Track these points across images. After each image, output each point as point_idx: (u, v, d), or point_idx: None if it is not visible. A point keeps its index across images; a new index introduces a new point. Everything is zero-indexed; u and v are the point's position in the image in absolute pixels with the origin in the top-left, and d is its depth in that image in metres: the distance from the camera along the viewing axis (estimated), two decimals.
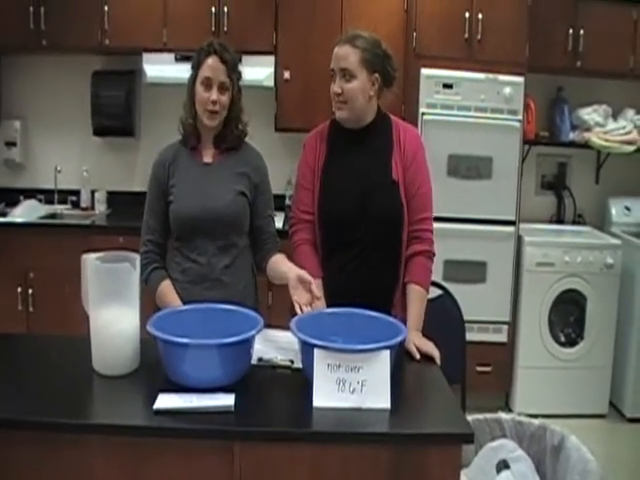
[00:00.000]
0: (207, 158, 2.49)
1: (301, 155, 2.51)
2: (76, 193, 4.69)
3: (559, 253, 4.25)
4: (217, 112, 2.39)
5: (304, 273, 2.19)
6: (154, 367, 1.98)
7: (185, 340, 1.86)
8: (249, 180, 2.48)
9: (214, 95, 2.36)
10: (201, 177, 2.45)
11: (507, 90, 4.15)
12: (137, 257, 2.07)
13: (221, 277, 2.43)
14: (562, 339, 4.35)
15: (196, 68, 2.40)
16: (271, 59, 4.34)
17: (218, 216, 2.40)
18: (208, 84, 2.36)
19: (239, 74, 2.44)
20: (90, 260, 2.05)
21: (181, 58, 4.21)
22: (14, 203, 4.52)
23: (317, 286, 2.26)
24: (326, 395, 1.82)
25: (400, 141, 2.42)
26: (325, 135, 2.47)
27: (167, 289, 2.41)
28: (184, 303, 2.25)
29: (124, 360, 2.02)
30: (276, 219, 4.08)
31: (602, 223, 4.80)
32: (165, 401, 1.80)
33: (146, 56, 4.33)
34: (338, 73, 2.34)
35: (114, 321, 2.00)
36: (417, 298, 2.35)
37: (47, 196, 4.70)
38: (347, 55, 2.32)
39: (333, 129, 2.47)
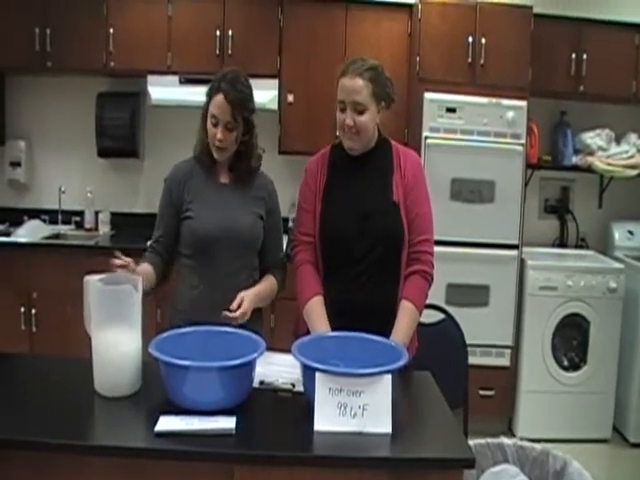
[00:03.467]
0: (223, 179, 2.52)
1: (303, 178, 2.53)
2: (80, 214, 4.73)
3: (562, 277, 4.26)
4: (223, 149, 2.42)
5: (244, 301, 2.33)
6: (156, 389, 1.98)
7: (186, 362, 1.86)
8: (265, 204, 2.52)
9: (219, 134, 2.38)
10: (220, 197, 2.47)
11: (510, 114, 4.18)
12: (139, 279, 2.08)
13: (235, 297, 2.38)
14: (565, 363, 4.34)
15: (207, 100, 2.42)
16: (275, 82, 4.38)
17: (240, 237, 2.43)
18: (215, 122, 2.39)
19: (250, 110, 2.43)
20: (92, 282, 2.06)
21: (185, 81, 4.27)
22: (18, 223, 4.55)
23: (318, 303, 2.37)
24: (327, 419, 1.82)
25: (400, 164, 2.45)
26: (327, 159, 2.50)
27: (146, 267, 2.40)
28: (198, 323, 2.18)
29: (126, 382, 2.02)
30: None
31: (605, 247, 4.80)
32: (166, 423, 1.80)
33: (151, 78, 4.37)
34: (349, 105, 2.35)
35: (116, 343, 2.01)
36: (406, 314, 2.36)
37: (51, 216, 4.72)
38: (359, 89, 2.33)
39: (335, 153, 2.50)
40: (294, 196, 2.53)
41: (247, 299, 2.36)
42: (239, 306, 2.33)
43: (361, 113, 2.35)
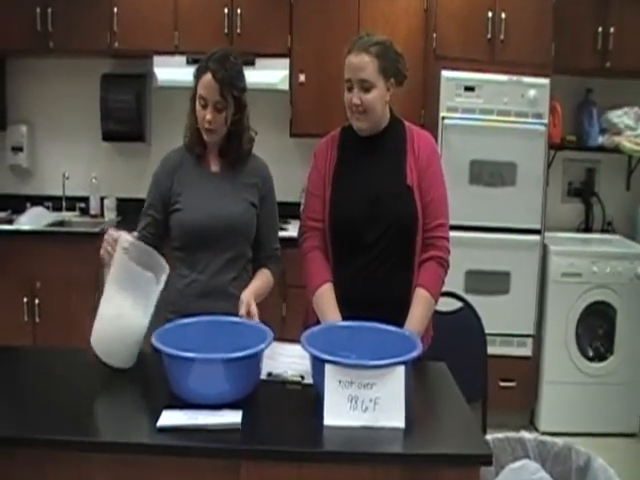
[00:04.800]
0: (214, 167, 2.51)
1: (312, 162, 2.52)
2: (85, 200, 4.74)
3: (587, 263, 4.21)
4: (213, 131, 2.40)
5: (251, 304, 2.33)
6: (159, 382, 1.98)
7: (190, 354, 1.86)
8: (258, 191, 2.51)
9: (208, 115, 2.36)
10: (210, 187, 2.47)
11: (532, 92, 4.13)
12: (165, 268, 2.13)
13: (227, 289, 2.44)
14: (590, 353, 4.30)
15: (195, 82, 2.40)
16: (286, 62, 4.36)
17: (230, 226, 2.42)
18: (203, 103, 2.37)
19: (241, 89, 2.41)
20: (121, 245, 2.13)
21: (193, 61, 4.22)
22: (20, 210, 4.57)
23: (328, 290, 2.37)
24: (337, 413, 1.81)
25: (414, 146, 2.43)
26: (336, 141, 2.49)
27: None
28: (189, 315, 2.22)
29: (121, 350, 2.11)
30: (291, 227, 4.20)
31: (633, 232, 4.73)
32: (169, 418, 1.80)
33: (157, 59, 4.37)
34: (356, 84, 2.33)
35: (123, 310, 2.09)
36: (420, 302, 2.35)
37: (55, 203, 4.74)
38: (365, 65, 2.31)
39: (345, 136, 2.49)
40: (306, 180, 2.51)
41: (253, 303, 2.36)
42: (248, 312, 2.32)
43: (368, 91, 2.33)
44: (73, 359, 2.29)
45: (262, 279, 2.51)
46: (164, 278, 2.12)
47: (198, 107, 2.38)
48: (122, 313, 2.10)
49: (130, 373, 2.14)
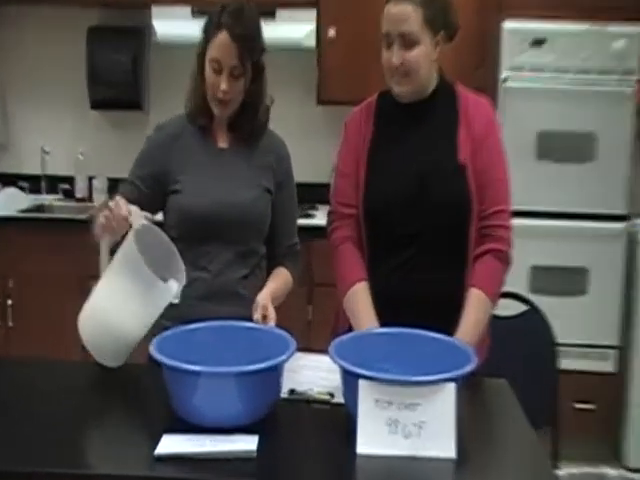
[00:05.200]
0: (222, 142, 2.52)
1: (343, 136, 2.52)
2: (69, 180, 4.78)
3: None
4: (228, 102, 2.40)
5: (268, 308, 2.32)
6: (158, 400, 1.99)
7: (196, 367, 1.85)
8: (273, 174, 2.52)
9: (224, 84, 2.35)
10: (216, 166, 2.48)
11: (618, 44, 4.10)
12: (182, 279, 2.16)
13: (237, 289, 2.46)
14: None
15: (205, 39, 2.39)
16: (312, 13, 4.38)
17: (240, 216, 2.43)
18: (217, 68, 2.35)
19: (260, 50, 2.41)
20: (135, 226, 2.13)
21: (199, 12, 4.24)
22: None
23: (362, 289, 2.36)
24: (373, 439, 1.81)
25: (469, 116, 2.42)
26: (372, 110, 2.49)
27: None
28: (191, 322, 2.21)
29: (108, 343, 2.17)
30: (319, 214, 4.19)
31: None
32: (170, 444, 1.80)
33: (156, 10, 4.40)
34: (396, 39, 2.33)
35: (119, 313, 2.13)
36: (475, 305, 2.35)
37: (32, 184, 4.80)
38: (406, 16, 2.30)
39: (382, 103, 2.49)
40: (335, 157, 2.54)
41: (270, 305, 2.36)
42: (264, 317, 2.33)
43: (411, 47, 2.32)
44: (54, 372, 2.29)
45: (279, 280, 2.53)
46: (177, 290, 2.14)
47: (209, 72, 2.37)
48: (118, 315, 2.14)
49: (124, 389, 2.16)
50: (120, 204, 2.16)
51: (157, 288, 2.11)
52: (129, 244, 2.11)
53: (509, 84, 4.13)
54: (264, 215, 2.50)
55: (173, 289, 2.14)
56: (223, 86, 2.35)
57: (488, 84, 4.07)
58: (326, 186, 4.01)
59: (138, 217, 2.14)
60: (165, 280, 2.14)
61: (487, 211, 2.39)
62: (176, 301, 2.16)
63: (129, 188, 2.48)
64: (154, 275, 2.09)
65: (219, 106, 2.42)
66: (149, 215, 2.23)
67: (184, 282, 2.16)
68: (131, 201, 2.26)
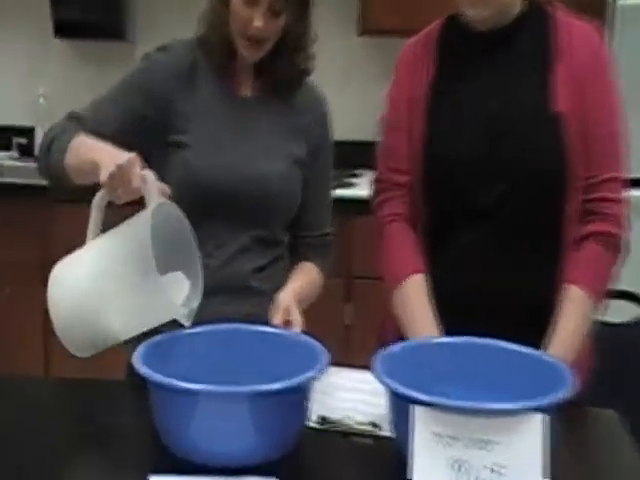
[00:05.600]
0: (245, 89, 2.47)
1: (393, 78, 2.49)
2: (27, 132, 4.77)
3: None
4: (261, 42, 2.34)
5: (291, 310, 2.27)
6: (143, 429, 1.97)
7: (195, 385, 1.80)
8: (307, 137, 2.49)
9: (259, 20, 2.28)
10: (236, 122, 2.43)
11: None
12: (198, 285, 2.10)
13: (250, 282, 2.42)
14: None
15: None
16: None
17: (265, 193, 2.41)
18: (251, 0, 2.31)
19: None
20: (156, 199, 1.98)
21: None
22: None
23: (418, 284, 2.36)
24: None
25: (568, 49, 2.34)
26: (434, 43, 2.45)
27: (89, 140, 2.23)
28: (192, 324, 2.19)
29: (84, 334, 2.07)
30: (361, 182, 4.14)
31: None
32: None
33: None
34: None
35: (115, 287, 2.02)
36: (572, 307, 2.29)
37: None
38: None
39: (449, 32, 2.44)
40: (383, 106, 2.49)
41: (294, 307, 2.31)
42: (287, 321, 2.29)
43: None
44: (15, 392, 2.29)
45: (305, 278, 2.51)
46: (190, 310, 2.07)
47: (239, 3, 2.30)
48: (107, 311, 2.04)
49: (100, 415, 2.13)
50: (135, 163, 2.02)
51: (162, 298, 2.02)
52: (143, 230, 1.97)
53: (626, 1, 4.08)
54: (293, 194, 2.48)
55: (182, 311, 2.06)
56: (257, 23, 2.29)
57: (595, 5, 4.02)
58: (370, 145, 3.96)
59: (154, 188, 2.02)
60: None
61: (594, 179, 2.31)
62: (188, 323, 2.08)
63: (102, 122, 2.34)
64: (162, 279, 2.00)
65: (248, 46, 2.35)
66: (166, 188, 2.11)
67: (199, 298, 2.10)
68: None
